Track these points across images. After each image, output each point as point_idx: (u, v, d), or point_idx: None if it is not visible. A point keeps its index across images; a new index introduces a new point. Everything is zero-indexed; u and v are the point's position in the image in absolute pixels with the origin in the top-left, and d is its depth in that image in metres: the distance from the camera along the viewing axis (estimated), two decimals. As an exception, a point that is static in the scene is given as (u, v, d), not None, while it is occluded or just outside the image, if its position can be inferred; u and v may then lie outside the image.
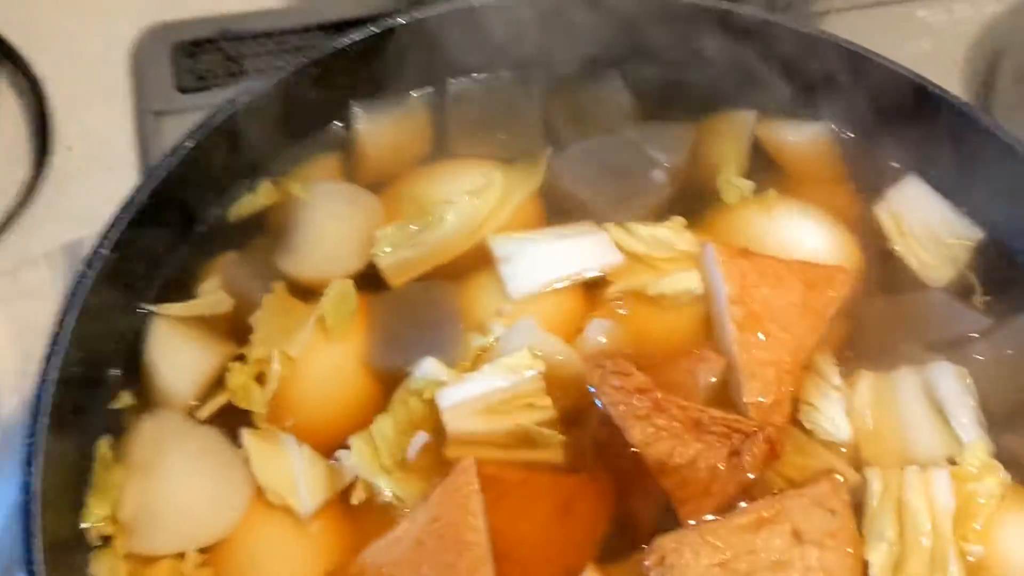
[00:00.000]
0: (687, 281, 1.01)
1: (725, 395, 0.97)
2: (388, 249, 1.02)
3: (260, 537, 0.89)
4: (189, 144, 0.99)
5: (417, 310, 1.00)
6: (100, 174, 1.44)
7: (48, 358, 0.86)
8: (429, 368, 0.93)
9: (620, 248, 1.02)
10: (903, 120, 1.09)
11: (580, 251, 1.02)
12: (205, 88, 1.50)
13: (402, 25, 1.07)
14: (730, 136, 1.13)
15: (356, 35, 1.07)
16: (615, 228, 1.03)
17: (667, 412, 0.90)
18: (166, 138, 1.44)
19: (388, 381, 0.96)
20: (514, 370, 0.92)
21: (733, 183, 1.09)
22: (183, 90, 1.50)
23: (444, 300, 1.00)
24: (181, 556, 0.88)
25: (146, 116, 1.46)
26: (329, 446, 0.92)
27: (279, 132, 1.08)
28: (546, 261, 1.00)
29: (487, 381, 0.91)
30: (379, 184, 1.10)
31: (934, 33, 1.68)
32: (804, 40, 1.09)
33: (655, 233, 1.02)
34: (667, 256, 1.02)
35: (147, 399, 0.96)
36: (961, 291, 1.05)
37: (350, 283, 1.00)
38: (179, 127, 1.47)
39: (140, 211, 0.95)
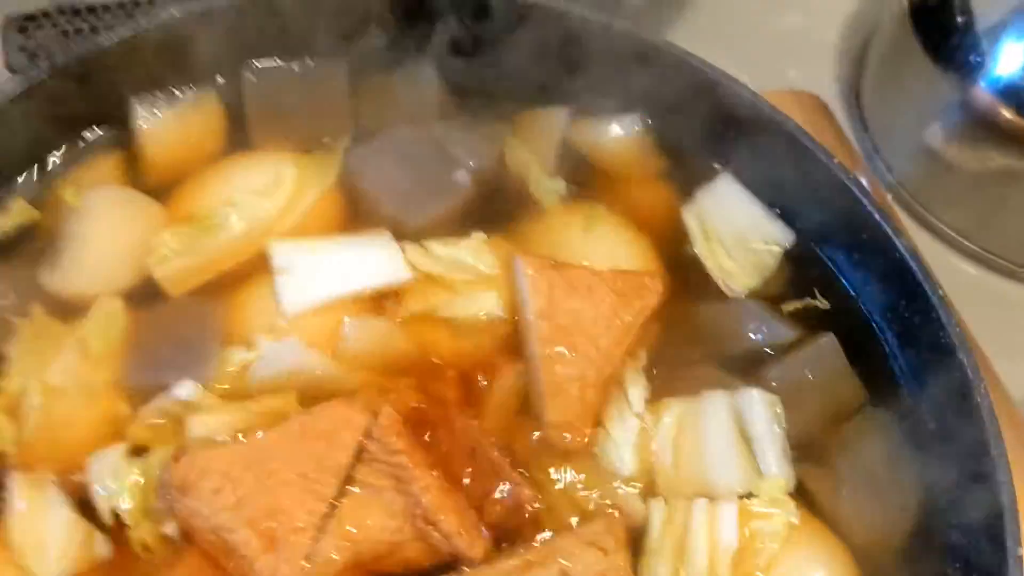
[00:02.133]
0: (483, 302, 0.96)
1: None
2: (164, 258, 0.95)
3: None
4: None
5: (180, 324, 0.94)
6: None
7: None
8: (185, 390, 0.88)
9: (415, 268, 0.97)
10: (715, 119, 1.04)
11: (365, 264, 0.96)
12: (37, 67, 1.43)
13: (182, 17, 1.00)
14: (541, 135, 1.08)
15: (128, 29, 0.99)
16: (411, 247, 0.98)
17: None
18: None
19: (141, 403, 0.91)
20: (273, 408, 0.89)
21: (545, 185, 1.04)
22: (12, 70, 1.42)
23: (209, 313, 0.94)
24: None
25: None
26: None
27: (47, 133, 1.00)
28: (327, 274, 0.95)
29: (240, 418, 0.88)
30: (167, 186, 1.02)
31: (807, 5, 1.64)
32: (616, 38, 1.04)
33: (454, 253, 0.97)
34: (465, 278, 0.97)
35: None
36: (768, 299, 1.01)
37: (117, 301, 0.93)
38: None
39: None
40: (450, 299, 0.96)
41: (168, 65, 1.03)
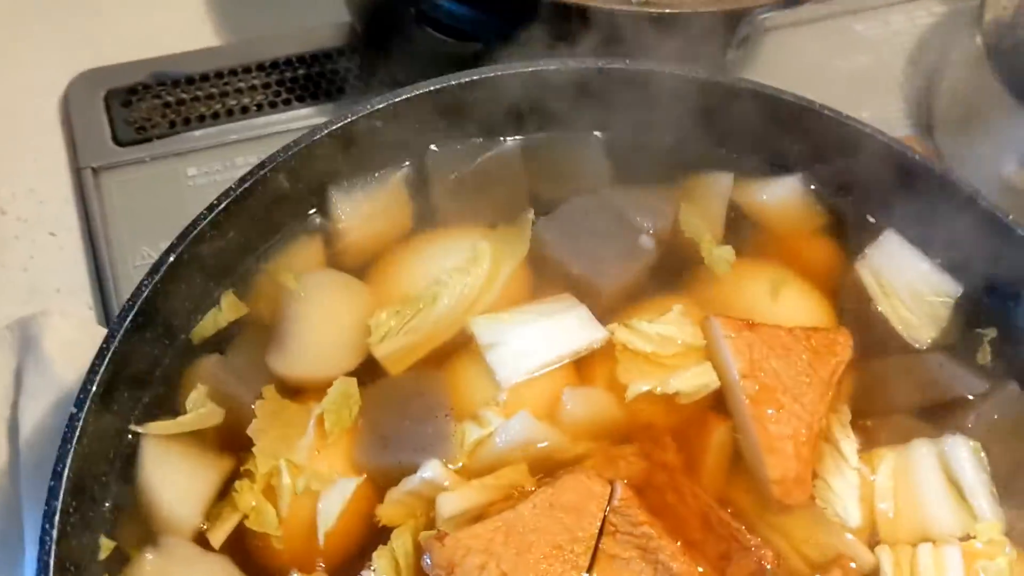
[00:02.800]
0: (702, 376, 1.00)
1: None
2: (383, 337, 0.99)
3: None
4: (170, 259, 0.92)
5: (407, 402, 0.97)
6: (42, 239, 1.37)
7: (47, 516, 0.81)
8: (432, 471, 0.91)
9: (627, 348, 1.00)
10: (874, 176, 1.09)
11: (565, 331, 1.00)
12: (145, 140, 1.44)
13: (379, 109, 1.04)
14: (707, 200, 1.12)
15: (332, 124, 1.02)
16: (619, 328, 1.01)
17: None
18: (107, 195, 1.38)
19: (381, 480, 0.94)
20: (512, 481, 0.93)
21: (716, 253, 1.09)
22: (120, 143, 1.43)
23: (434, 390, 0.98)
24: None
25: (84, 173, 1.39)
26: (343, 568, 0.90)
27: (256, 231, 1.03)
28: (532, 345, 0.99)
29: (483, 494, 0.91)
30: (364, 266, 1.06)
31: (872, 47, 1.71)
32: (771, 102, 1.10)
33: (659, 330, 1.01)
34: (673, 352, 1.01)
35: (147, 528, 0.90)
36: (952, 350, 1.06)
37: (353, 382, 0.96)
38: (120, 183, 1.41)
39: (122, 341, 0.89)
40: (666, 375, 0.99)
41: (361, 154, 1.07)
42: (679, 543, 0.91)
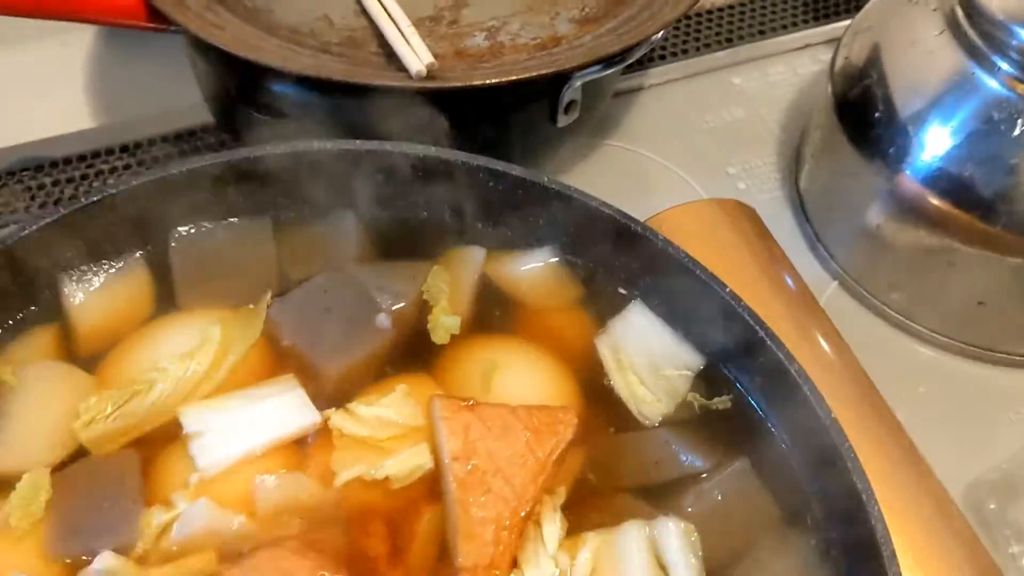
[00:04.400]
0: (415, 458, 0.99)
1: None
2: (91, 422, 0.98)
3: None
4: None
5: (99, 486, 0.96)
6: None
7: None
8: (104, 562, 0.90)
9: (343, 434, 1.00)
10: (613, 248, 1.09)
11: (274, 415, 0.99)
12: (2, 225, 1.49)
13: (113, 194, 1.06)
14: (459, 272, 1.12)
15: (51, 215, 1.03)
16: (336, 413, 1.01)
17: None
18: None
19: (74, 570, 0.92)
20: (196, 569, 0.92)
21: (441, 320, 1.08)
22: (-20, 230, 1.48)
23: (128, 473, 0.97)
24: None
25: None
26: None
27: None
28: (236, 431, 0.98)
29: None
30: (99, 355, 1.06)
31: (748, 100, 1.68)
32: (501, 176, 1.09)
33: (379, 412, 1.00)
34: (392, 435, 1.00)
35: None
36: (684, 426, 1.03)
37: (45, 472, 0.96)
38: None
39: None
40: (380, 459, 0.98)
41: (95, 239, 1.08)
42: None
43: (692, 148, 1.58)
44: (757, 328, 0.97)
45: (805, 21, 1.77)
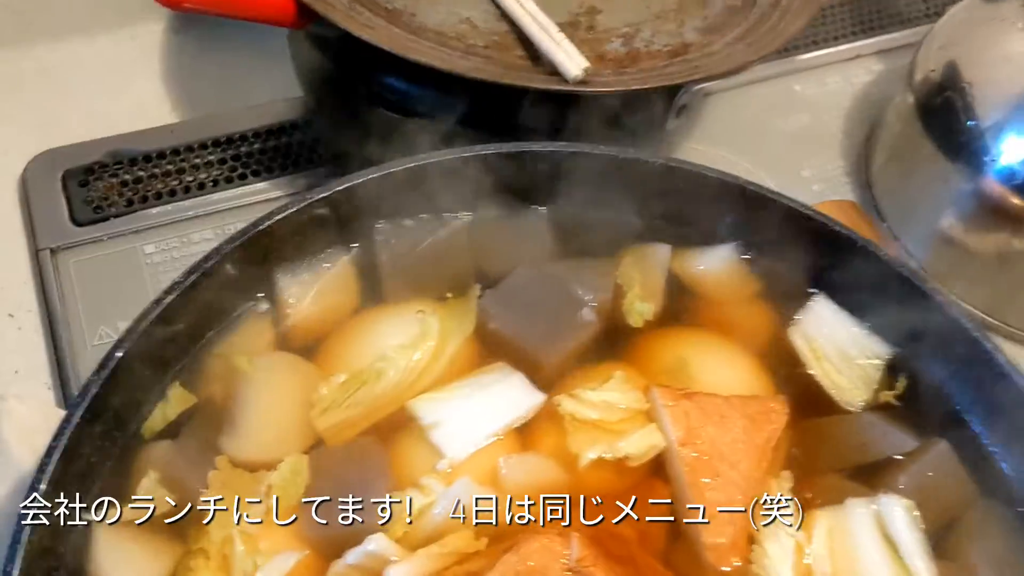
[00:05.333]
0: (648, 438, 1.03)
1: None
2: (325, 410, 1.02)
3: None
4: (118, 355, 0.95)
5: (349, 472, 0.99)
6: (0, 322, 1.39)
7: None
8: (376, 543, 0.93)
9: (575, 418, 1.04)
10: (800, 245, 1.15)
11: (503, 400, 1.04)
12: (102, 219, 1.46)
13: (327, 196, 1.08)
14: (647, 270, 1.17)
15: (275, 214, 1.06)
16: (566, 399, 1.05)
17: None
18: (65, 275, 1.40)
19: (327, 552, 0.95)
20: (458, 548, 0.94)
21: (637, 307, 1.13)
22: (78, 222, 1.46)
23: (376, 460, 1.00)
24: None
25: (42, 254, 1.41)
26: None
27: (203, 319, 1.06)
28: (474, 419, 1.02)
29: (432, 563, 0.93)
30: (312, 345, 1.09)
31: (810, 106, 1.77)
32: (697, 178, 1.15)
33: (604, 397, 1.05)
34: (619, 417, 1.04)
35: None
36: (882, 411, 1.10)
37: (303, 458, 0.99)
38: (77, 263, 1.44)
39: (72, 438, 0.91)
40: (614, 440, 1.03)
41: (306, 238, 1.11)
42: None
43: (768, 151, 1.66)
44: (960, 320, 1.05)
45: (854, 33, 1.88)
